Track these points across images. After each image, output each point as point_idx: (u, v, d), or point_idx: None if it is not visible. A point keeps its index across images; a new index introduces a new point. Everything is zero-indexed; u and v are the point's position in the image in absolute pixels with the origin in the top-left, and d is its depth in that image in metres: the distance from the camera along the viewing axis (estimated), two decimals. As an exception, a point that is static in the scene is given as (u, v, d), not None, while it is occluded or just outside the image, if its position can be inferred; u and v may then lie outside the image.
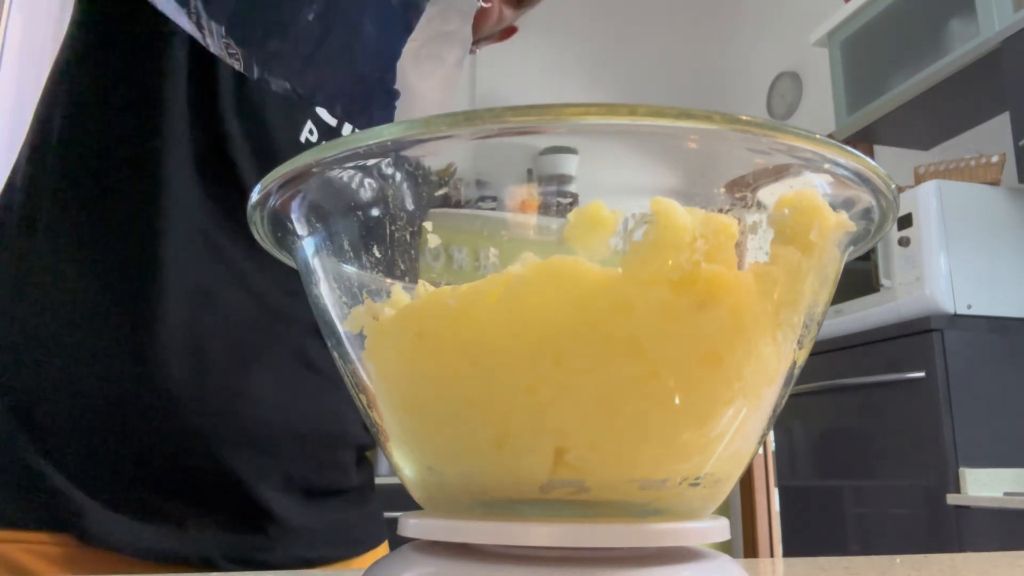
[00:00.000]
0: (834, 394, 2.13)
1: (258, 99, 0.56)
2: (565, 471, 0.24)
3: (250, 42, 0.48)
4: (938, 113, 2.34)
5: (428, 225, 0.26)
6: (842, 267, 0.28)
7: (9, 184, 0.57)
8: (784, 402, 0.28)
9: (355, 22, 0.52)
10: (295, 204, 0.28)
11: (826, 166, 0.25)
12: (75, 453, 0.51)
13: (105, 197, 0.54)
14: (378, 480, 0.75)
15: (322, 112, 0.58)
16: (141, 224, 0.53)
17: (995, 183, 2.11)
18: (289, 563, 0.55)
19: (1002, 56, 1.95)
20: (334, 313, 0.28)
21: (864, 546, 2.02)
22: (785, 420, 2.31)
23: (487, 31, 0.66)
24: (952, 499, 1.77)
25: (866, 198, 0.26)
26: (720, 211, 0.24)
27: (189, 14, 0.43)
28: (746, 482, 3.27)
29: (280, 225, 0.29)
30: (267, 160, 0.56)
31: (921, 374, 1.86)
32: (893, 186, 0.26)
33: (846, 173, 0.25)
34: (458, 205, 0.26)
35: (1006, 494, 1.73)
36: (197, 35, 0.47)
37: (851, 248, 0.29)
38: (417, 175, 0.25)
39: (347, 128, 0.59)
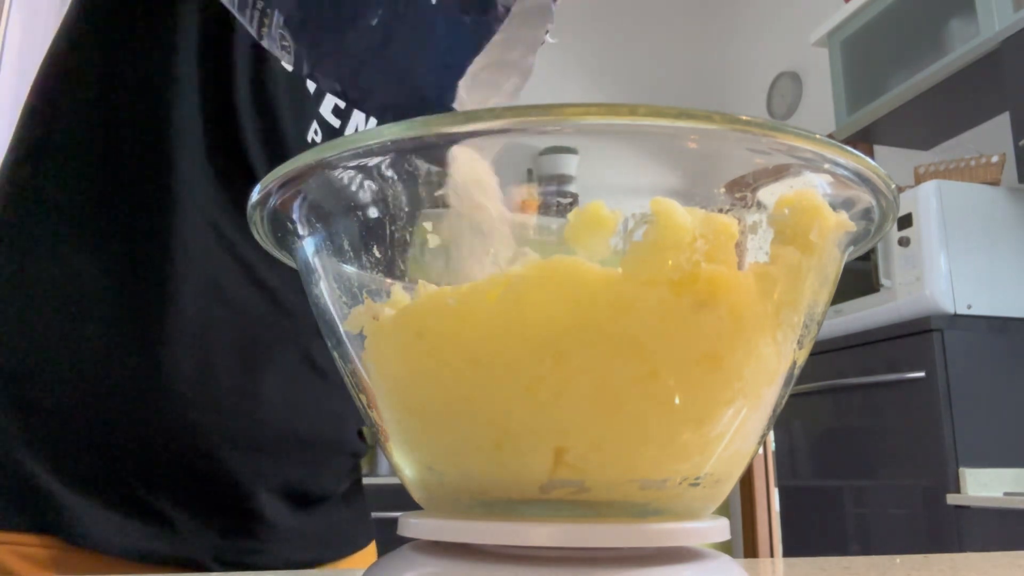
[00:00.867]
0: (834, 394, 2.13)
1: (272, 92, 0.55)
2: (565, 471, 0.24)
3: (305, 37, 0.48)
4: (938, 113, 2.34)
5: (428, 225, 0.26)
6: (842, 267, 0.28)
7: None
8: (784, 402, 0.28)
9: (420, 35, 0.52)
10: (295, 204, 0.28)
11: (826, 166, 0.25)
12: (69, 447, 0.50)
13: (112, 184, 0.53)
14: (378, 480, 0.75)
15: (326, 113, 0.58)
16: (151, 213, 0.52)
17: (995, 183, 2.11)
18: (278, 565, 0.55)
19: (1002, 56, 1.95)
20: (334, 313, 0.28)
21: (864, 546, 2.02)
22: (785, 420, 2.31)
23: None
24: (952, 499, 1.77)
25: (866, 198, 0.26)
26: (720, 211, 0.24)
27: (255, 2, 0.43)
28: (746, 482, 3.27)
29: (280, 225, 0.29)
30: (278, 154, 0.55)
31: (921, 374, 1.86)
32: (893, 186, 0.26)
33: (846, 173, 0.25)
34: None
35: (1006, 494, 1.73)
36: (251, 26, 0.47)
37: (851, 248, 0.29)
38: (417, 175, 0.25)
39: (349, 130, 0.59)
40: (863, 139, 2.49)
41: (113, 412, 0.51)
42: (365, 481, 0.69)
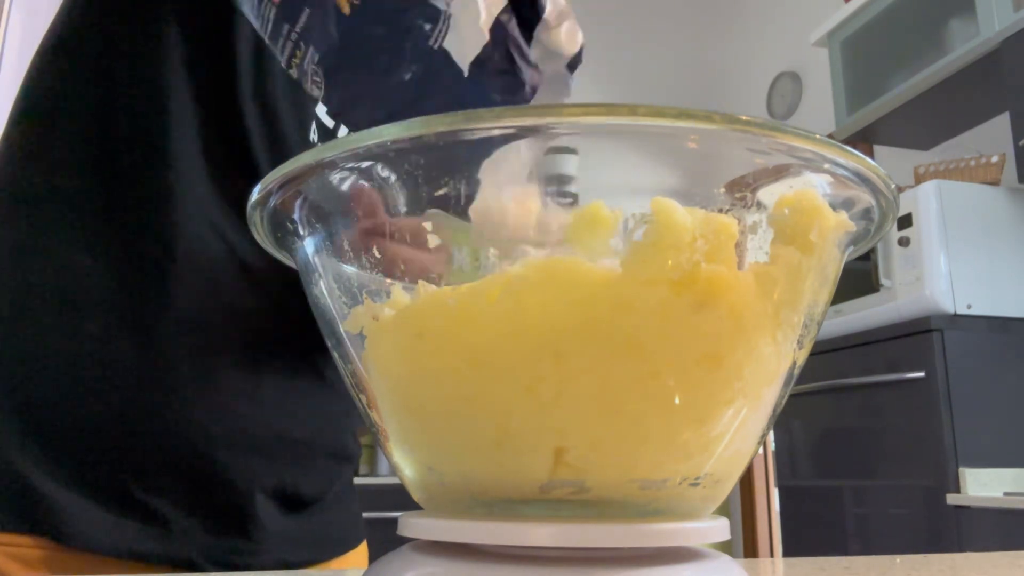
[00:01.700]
0: (834, 394, 2.13)
1: (271, 91, 0.55)
2: (565, 471, 0.24)
3: (339, 78, 0.47)
4: (938, 113, 2.34)
5: (428, 225, 0.26)
6: (842, 267, 0.28)
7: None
8: (784, 402, 0.28)
9: (452, 100, 0.52)
10: (295, 204, 0.28)
11: (826, 166, 0.25)
12: (63, 446, 0.50)
13: (110, 182, 0.52)
14: (378, 480, 0.75)
15: (321, 114, 0.58)
16: (150, 211, 0.52)
17: (995, 183, 2.11)
18: (271, 566, 0.55)
19: (1002, 56, 1.95)
20: (334, 313, 0.28)
21: (864, 546, 2.02)
22: (785, 420, 2.31)
23: None
24: (952, 499, 1.77)
25: (866, 198, 0.26)
26: (720, 211, 0.24)
27: (291, 32, 0.43)
28: (746, 482, 3.27)
29: (280, 225, 0.29)
30: (279, 153, 0.55)
31: (921, 374, 1.86)
32: (893, 186, 0.26)
33: (846, 173, 0.25)
34: (458, 205, 0.26)
35: (1006, 494, 1.73)
36: (281, 55, 0.47)
37: (851, 248, 0.29)
38: (417, 175, 0.25)
39: (343, 131, 0.59)
40: (863, 139, 2.49)
41: (108, 411, 0.50)
42: (365, 481, 0.69)
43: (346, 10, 0.44)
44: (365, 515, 0.69)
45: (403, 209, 0.26)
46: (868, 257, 2.04)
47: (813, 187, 0.26)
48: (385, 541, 0.66)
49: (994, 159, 2.14)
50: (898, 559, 0.50)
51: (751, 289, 0.24)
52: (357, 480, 0.69)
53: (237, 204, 0.54)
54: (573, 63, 0.64)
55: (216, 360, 0.53)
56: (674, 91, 3.52)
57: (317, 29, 0.44)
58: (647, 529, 0.24)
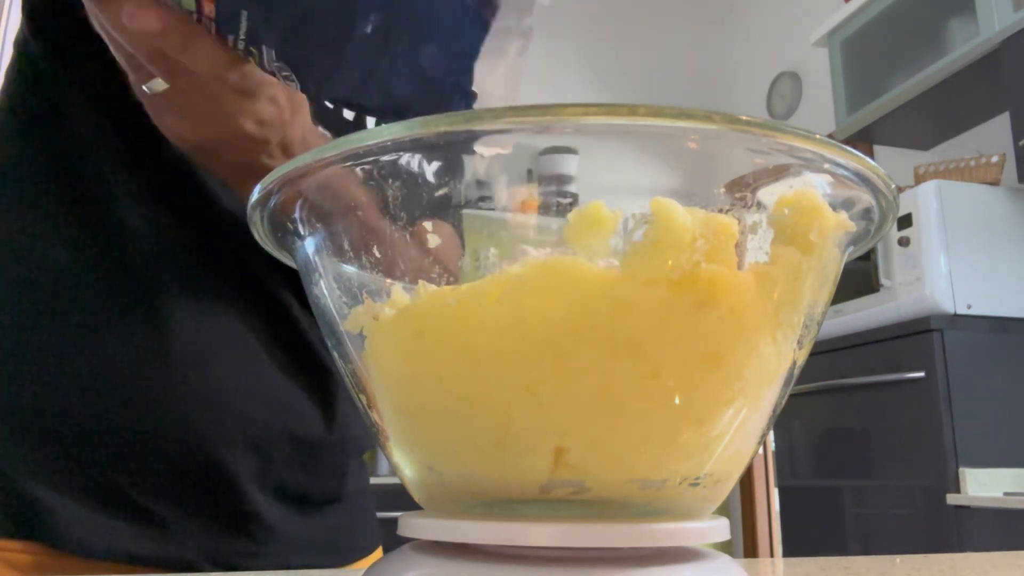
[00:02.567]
0: (834, 394, 2.13)
1: None
2: (565, 471, 0.24)
3: (303, 63, 0.47)
4: (938, 113, 2.34)
5: (428, 225, 0.26)
6: (842, 267, 0.28)
7: None
8: (784, 402, 0.28)
9: (421, 27, 0.51)
10: (295, 204, 0.28)
11: (826, 166, 0.25)
12: (53, 448, 0.48)
13: (85, 176, 0.51)
14: (378, 480, 0.75)
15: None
16: (133, 208, 0.51)
17: (995, 183, 2.11)
18: (277, 569, 0.53)
19: (1002, 56, 1.96)
20: (334, 313, 0.28)
21: (864, 546, 2.02)
22: (785, 420, 2.31)
23: None
24: (952, 499, 1.77)
25: (866, 198, 0.26)
26: (720, 211, 0.24)
27: (237, 41, 0.42)
28: (746, 482, 3.27)
29: (280, 225, 0.29)
30: None
31: (921, 374, 1.86)
32: (893, 186, 0.26)
33: (846, 173, 0.25)
34: (458, 205, 0.26)
35: (1006, 494, 1.73)
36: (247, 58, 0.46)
37: (851, 248, 0.29)
38: (417, 175, 0.25)
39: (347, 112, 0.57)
40: (863, 139, 2.50)
41: (99, 410, 0.49)
42: (365, 481, 0.68)
43: None
44: (365, 515, 0.68)
45: (405, 208, 0.26)
46: (868, 257, 2.04)
47: (813, 187, 0.26)
48: (385, 541, 0.65)
49: (994, 159, 2.14)
50: (898, 559, 0.50)
51: (751, 289, 0.24)
52: (357, 480, 0.68)
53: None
54: None
55: (209, 354, 0.51)
56: (674, 91, 3.52)
57: (260, 27, 0.43)
58: (647, 529, 0.24)
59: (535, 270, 0.24)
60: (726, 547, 2.81)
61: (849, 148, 0.24)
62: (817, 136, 0.23)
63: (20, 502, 0.47)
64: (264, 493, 0.54)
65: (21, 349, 0.50)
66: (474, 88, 0.54)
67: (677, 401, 0.24)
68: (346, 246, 0.28)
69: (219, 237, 0.53)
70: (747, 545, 3.27)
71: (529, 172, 0.26)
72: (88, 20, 0.50)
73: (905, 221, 1.98)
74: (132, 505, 0.49)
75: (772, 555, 3.14)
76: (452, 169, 0.25)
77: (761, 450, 2.64)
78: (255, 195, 0.28)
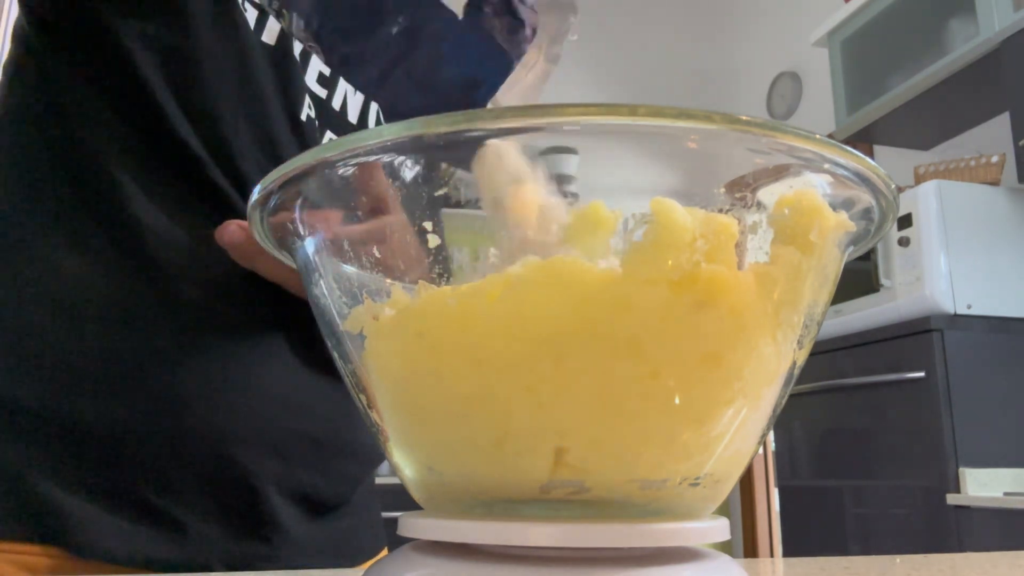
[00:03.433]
0: (834, 394, 2.13)
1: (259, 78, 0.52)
2: (565, 471, 0.24)
3: (328, 41, 0.47)
4: (938, 113, 2.34)
5: (428, 225, 0.26)
6: (842, 267, 0.28)
7: None
8: (784, 402, 0.28)
9: (444, 48, 0.51)
10: (295, 204, 0.28)
11: (826, 166, 0.25)
12: (73, 452, 0.48)
13: (92, 180, 0.51)
14: (378, 480, 0.75)
15: (311, 82, 0.55)
16: (132, 206, 0.50)
17: (995, 183, 2.11)
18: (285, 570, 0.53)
19: (1002, 56, 1.96)
20: (334, 313, 0.28)
21: (864, 546, 2.02)
22: (785, 420, 2.31)
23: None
24: (952, 499, 1.77)
25: (866, 198, 0.26)
26: (720, 211, 0.24)
27: (272, 1, 0.43)
28: (746, 482, 3.27)
29: (280, 225, 0.29)
30: (267, 139, 0.53)
31: (921, 374, 1.86)
32: (893, 186, 0.26)
33: (846, 173, 0.25)
34: (458, 205, 0.26)
35: (1006, 494, 1.73)
36: (280, 21, 0.46)
37: (851, 248, 0.29)
38: (417, 175, 0.25)
39: (335, 100, 0.56)
40: (863, 139, 2.50)
41: (117, 414, 0.49)
42: (365, 481, 0.68)
43: None
44: (364, 515, 0.68)
45: (405, 208, 0.26)
46: (868, 257, 2.04)
47: (813, 187, 0.26)
48: (385, 541, 0.65)
49: (994, 159, 2.15)
50: (898, 559, 0.50)
51: (751, 289, 0.24)
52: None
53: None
54: None
55: (226, 357, 0.51)
56: (674, 91, 3.52)
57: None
58: (647, 529, 0.24)
59: (535, 270, 0.24)
60: (726, 547, 2.81)
61: (849, 148, 0.24)
62: (817, 136, 0.23)
63: (40, 506, 0.47)
64: (282, 496, 0.53)
65: (43, 354, 0.49)
66: (489, 105, 0.55)
67: (677, 401, 0.24)
68: (346, 246, 0.28)
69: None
70: (747, 545, 3.27)
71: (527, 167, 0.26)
72: (88, 11, 0.50)
73: (905, 221, 1.98)
74: (152, 509, 0.49)
75: (772, 555, 3.14)
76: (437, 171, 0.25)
77: (761, 450, 2.64)
78: (255, 195, 0.28)
